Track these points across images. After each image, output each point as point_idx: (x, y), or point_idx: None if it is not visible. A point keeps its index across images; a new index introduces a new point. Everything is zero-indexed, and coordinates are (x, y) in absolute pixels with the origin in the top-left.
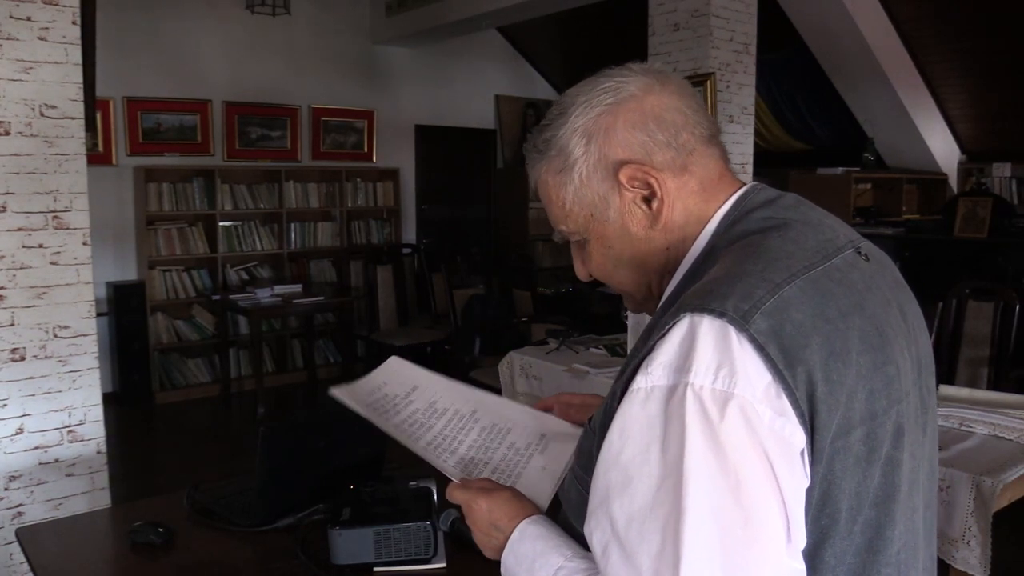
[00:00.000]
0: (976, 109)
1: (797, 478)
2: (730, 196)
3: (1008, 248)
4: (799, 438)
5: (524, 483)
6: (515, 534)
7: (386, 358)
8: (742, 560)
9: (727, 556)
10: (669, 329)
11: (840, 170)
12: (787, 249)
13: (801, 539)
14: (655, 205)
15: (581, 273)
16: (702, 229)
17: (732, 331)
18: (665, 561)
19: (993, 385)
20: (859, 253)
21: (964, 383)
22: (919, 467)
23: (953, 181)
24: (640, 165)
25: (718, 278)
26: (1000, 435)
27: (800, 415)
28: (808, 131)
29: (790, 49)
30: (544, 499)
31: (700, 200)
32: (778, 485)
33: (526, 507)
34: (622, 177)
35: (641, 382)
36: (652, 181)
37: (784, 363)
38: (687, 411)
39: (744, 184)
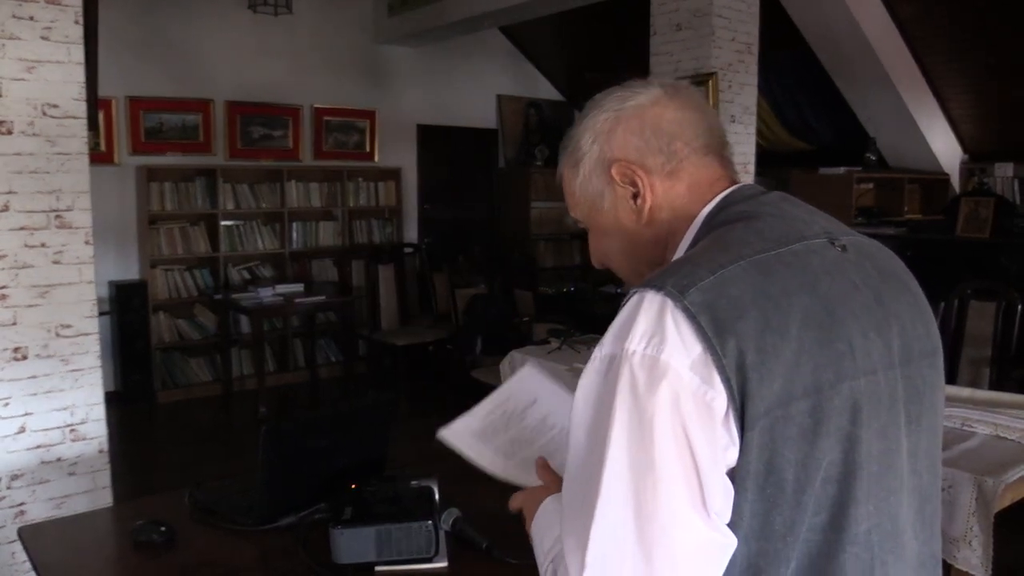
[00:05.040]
0: (978, 109)
1: (716, 443)
2: (717, 195)
3: (1010, 248)
4: (721, 403)
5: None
6: (540, 509)
7: (387, 358)
8: (653, 519)
9: (640, 513)
10: (622, 305)
11: (842, 170)
12: (746, 239)
13: (720, 508)
14: (639, 202)
15: (592, 258)
16: (689, 226)
17: (669, 303)
18: (584, 512)
19: (995, 385)
20: (832, 243)
21: (966, 383)
22: (895, 450)
23: (955, 181)
24: (629, 164)
25: (675, 261)
26: (1002, 435)
27: (725, 381)
28: (810, 131)
29: (792, 49)
30: None
31: (687, 201)
32: (691, 451)
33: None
34: (614, 173)
35: (596, 352)
36: (638, 180)
37: (714, 332)
38: (620, 376)
39: (738, 185)
